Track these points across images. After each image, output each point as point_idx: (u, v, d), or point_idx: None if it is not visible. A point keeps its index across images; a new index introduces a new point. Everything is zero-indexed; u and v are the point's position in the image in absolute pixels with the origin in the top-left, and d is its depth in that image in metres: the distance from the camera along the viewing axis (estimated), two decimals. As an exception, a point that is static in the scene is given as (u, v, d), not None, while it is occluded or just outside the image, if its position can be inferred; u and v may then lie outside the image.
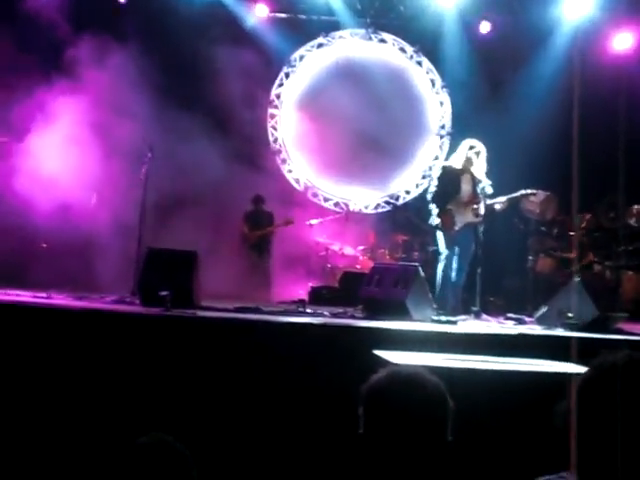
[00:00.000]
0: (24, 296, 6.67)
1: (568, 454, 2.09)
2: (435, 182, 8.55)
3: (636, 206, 11.20)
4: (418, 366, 2.10)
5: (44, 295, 6.71)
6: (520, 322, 7.36)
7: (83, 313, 5.72)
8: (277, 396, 4.97)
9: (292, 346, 5.24)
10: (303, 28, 12.70)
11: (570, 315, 6.39)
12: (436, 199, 8.37)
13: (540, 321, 6.91)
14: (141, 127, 10.08)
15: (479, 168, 8.22)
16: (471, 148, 8.31)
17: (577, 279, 6.83)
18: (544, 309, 7.00)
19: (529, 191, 8.53)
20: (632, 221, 11.25)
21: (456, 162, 8.46)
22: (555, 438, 2.22)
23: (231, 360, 5.15)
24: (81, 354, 5.16)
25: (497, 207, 8.25)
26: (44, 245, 9.86)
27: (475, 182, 8.24)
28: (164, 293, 5.97)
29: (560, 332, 6.21)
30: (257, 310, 6.88)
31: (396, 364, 2.15)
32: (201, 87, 11.51)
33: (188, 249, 7.23)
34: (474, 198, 8.23)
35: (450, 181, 8.34)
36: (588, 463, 1.97)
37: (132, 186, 8.79)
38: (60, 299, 6.67)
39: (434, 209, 8.36)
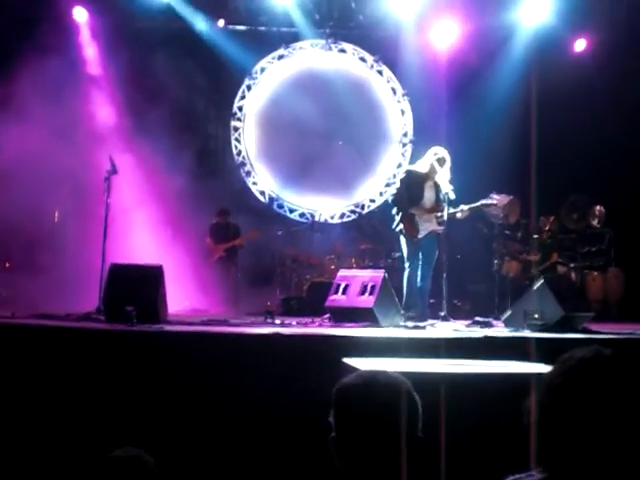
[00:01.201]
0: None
1: (537, 453, 2.10)
2: (398, 185, 8.56)
3: (598, 207, 11.35)
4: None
5: (8, 314, 6.61)
6: (487, 325, 7.39)
7: (48, 331, 5.64)
8: (247, 408, 4.94)
9: (261, 357, 5.22)
10: (263, 40, 12.71)
11: (536, 316, 6.45)
12: (398, 202, 8.35)
13: (507, 323, 6.95)
14: (104, 143, 10.02)
15: (443, 176, 8.25)
16: (436, 155, 8.34)
17: (542, 281, 6.87)
18: (510, 311, 7.05)
19: (489, 201, 8.59)
20: (594, 222, 11.40)
21: (421, 168, 8.49)
22: (524, 436, 2.23)
23: (200, 374, 5.11)
24: (48, 372, 5.10)
25: (458, 215, 8.29)
26: (7, 265, 9.75)
27: (438, 189, 8.26)
28: (129, 308, 5.92)
29: (527, 333, 6.25)
30: (225, 323, 6.86)
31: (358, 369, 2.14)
32: (162, 102, 11.46)
33: (153, 263, 7.18)
34: (437, 206, 8.26)
35: (413, 185, 8.34)
36: (556, 459, 1.98)
37: (95, 202, 8.73)
38: (24, 318, 6.57)
39: (397, 215, 8.36)
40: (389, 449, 1.90)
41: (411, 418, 1.96)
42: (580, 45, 12.33)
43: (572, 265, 11.16)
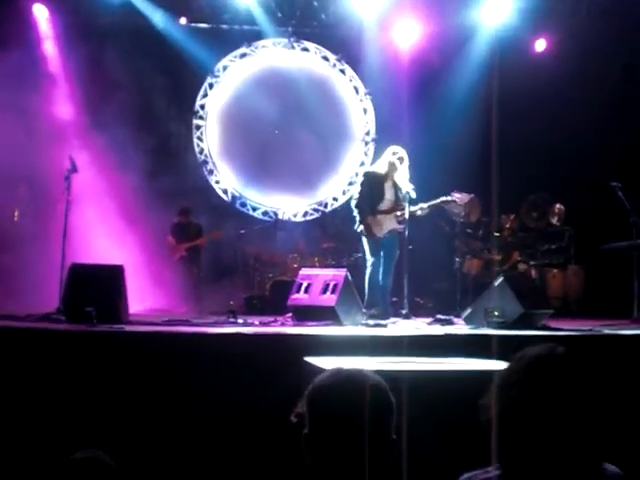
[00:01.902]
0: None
1: (494, 450, 2.13)
2: (358, 188, 8.62)
3: (558, 205, 11.49)
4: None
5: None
6: (448, 323, 7.45)
7: (7, 332, 5.57)
8: (209, 407, 4.92)
9: (223, 357, 5.20)
10: (226, 38, 12.66)
11: (496, 314, 6.51)
12: (360, 205, 8.43)
13: (468, 321, 7.01)
14: (63, 141, 9.91)
15: (402, 174, 8.31)
16: (394, 154, 8.40)
17: (502, 278, 6.94)
18: (471, 309, 7.11)
19: (449, 198, 8.67)
20: (554, 220, 11.53)
21: (379, 168, 8.55)
22: (481, 433, 2.25)
23: (161, 374, 5.08)
24: (7, 374, 5.03)
25: (419, 213, 8.35)
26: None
27: (397, 188, 8.33)
28: (89, 309, 5.87)
29: (487, 331, 6.31)
30: (187, 322, 6.82)
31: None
32: (122, 100, 11.36)
33: (114, 263, 7.13)
34: (397, 205, 8.32)
35: (374, 187, 8.41)
36: (512, 455, 2.01)
37: (55, 200, 8.64)
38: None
39: (358, 215, 8.43)
40: (361, 448, 1.90)
41: (384, 417, 1.97)
42: (540, 45, 12.47)
43: (532, 263, 11.29)
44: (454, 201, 8.75)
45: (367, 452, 1.91)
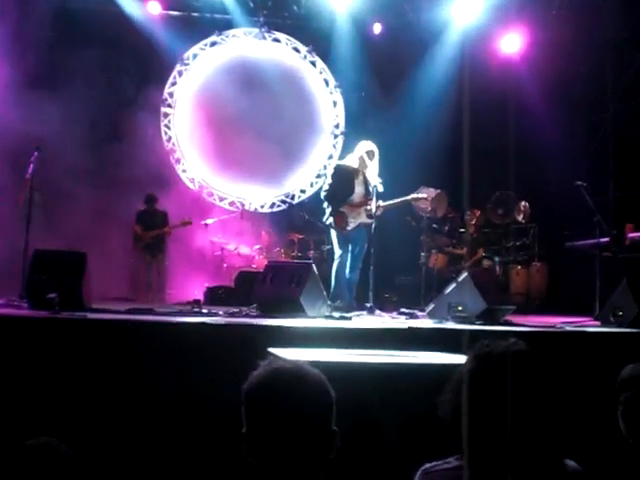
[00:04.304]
0: None
1: (453, 442, 2.14)
2: (329, 181, 8.65)
3: (523, 203, 11.58)
4: (299, 359, 2.10)
5: None
6: (412, 316, 7.49)
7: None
8: (170, 397, 4.90)
9: (186, 347, 5.17)
10: (196, 26, 12.58)
11: (460, 308, 6.55)
12: (329, 198, 8.49)
13: (431, 315, 7.04)
14: (27, 125, 9.78)
15: (372, 169, 8.37)
16: (365, 149, 8.47)
17: (466, 274, 6.99)
18: (434, 303, 7.15)
19: (419, 195, 8.79)
20: (519, 217, 11.63)
21: (351, 162, 8.60)
22: (441, 427, 2.27)
23: (122, 362, 5.04)
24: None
25: (385, 204, 8.41)
26: None
27: (367, 183, 8.38)
28: (52, 295, 5.80)
29: (450, 325, 6.35)
30: (150, 311, 6.77)
31: (276, 358, 2.13)
32: (91, 86, 11.24)
33: (77, 250, 7.05)
34: (366, 199, 8.36)
35: (344, 181, 8.47)
36: (471, 447, 2.03)
37: (18, 186, 8.53)
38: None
39: (327, 208, 8.48)
40: (300, 443, 1.89)
41: (323, 410, 1.95)
42: (511, 42, 12.52)
43: (497, 259, 11.39)
44: (424, 197, 8.85)
45: (307, 447, 1.90)
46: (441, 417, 2.26)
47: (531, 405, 1.95)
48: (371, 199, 8.18)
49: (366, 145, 8.53)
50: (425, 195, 8.93)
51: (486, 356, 2.07)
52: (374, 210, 8.12)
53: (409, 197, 8.70)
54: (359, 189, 8.48)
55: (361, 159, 8.45)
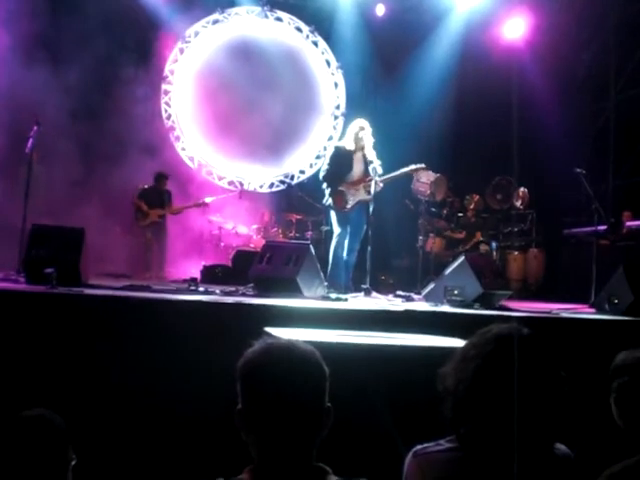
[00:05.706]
0: None
1: (449, 420, 2.15)
2: (327, 161, 8.64)
3: (522, 189, 11.59)
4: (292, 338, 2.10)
5: None
6: (408, 299, 7.50)
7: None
8: (165, 375, 4.91)
9: (182, 324, 5.18)
10: (198, 3, 12.50)
11: (456, 292, 6.57)
12: (328, 179, 8.49)
13: (427, 298, 7.06)
14: (27, 101, 9.74)
15: (368, 145, 8.38)
16: (357, 126, 8.48)
17: (463, 258, 7.00)
18: (431, 287, 7.17)
19: (418, 166, 8.79)
20: (518, 203, 11.64)
21: (348, 142, 8.58)
22: (435, 408, 2.28)
23: (118, 338, 5.05)
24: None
25: (387, 181, 8.43)
26: None
27: (366, 161, 8.38)
28: (49, 270, 5.80)
29: (446, 308, 6.37)
30: (147, 288, 6.77)
31: (270, 336, 2.14)
32: (91, 64, 11.16)
33: (75, 226, 7.04)
34: (365, 176, 8.36)
35: (342, 161, 8.46)
36: (466, 428, 2.04)
37: (17, 161, 8.51)
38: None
39: (326, 189, 8.48)
40: (295, 419, 1.90)
41: (317, 385, 1.96)
42: (514, 26, 12.46)
43: (494, 244, 11.40)
44: (423, 168, 8.87)
45: (301, 422, 1.91)
46: (438, 398, 2.26)
47: (526, 388, 1.96)
48: (370, 176, 8.19)
49: (357, 123, 8.56)
50: (423, 165, 8.94)
51: (489, 336, 2.08)
52: (373, 188, 8.12)
53: (408, 169, 8.72)
54: (358, 167, 8.48)
55: (356, 138, 8.45)
